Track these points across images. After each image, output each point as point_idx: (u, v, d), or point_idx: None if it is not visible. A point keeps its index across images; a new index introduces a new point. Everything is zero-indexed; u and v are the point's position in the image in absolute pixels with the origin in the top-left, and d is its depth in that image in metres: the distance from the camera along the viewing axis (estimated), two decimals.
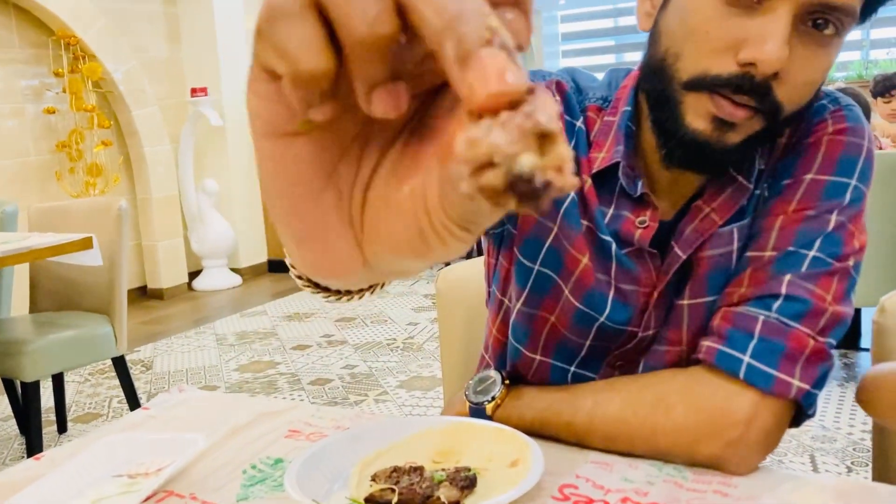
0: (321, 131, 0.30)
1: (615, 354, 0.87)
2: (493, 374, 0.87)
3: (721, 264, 0.81)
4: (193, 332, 4.50)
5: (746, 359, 0.73)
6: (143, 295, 5.37)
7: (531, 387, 0.86)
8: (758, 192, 0.81)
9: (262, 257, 6.01)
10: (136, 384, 3.53)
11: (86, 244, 2.58)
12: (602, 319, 0.84)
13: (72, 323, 2.67)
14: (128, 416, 0.96)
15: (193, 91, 5.37)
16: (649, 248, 0.82)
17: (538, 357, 0.89)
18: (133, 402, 2.79)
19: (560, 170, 0.24)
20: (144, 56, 5.32)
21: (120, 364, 2.76)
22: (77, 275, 2.81)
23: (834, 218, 0.77)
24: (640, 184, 0.81)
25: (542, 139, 0.24)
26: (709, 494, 0.69)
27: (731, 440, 0.72)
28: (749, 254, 0.79)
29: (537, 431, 0.80)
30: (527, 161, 0.24)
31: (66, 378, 3.50)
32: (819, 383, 0.74)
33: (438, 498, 0.69)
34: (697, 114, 0.71)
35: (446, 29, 0.24)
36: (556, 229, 0.84)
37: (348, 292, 0.55)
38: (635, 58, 0.95)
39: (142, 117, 5.16)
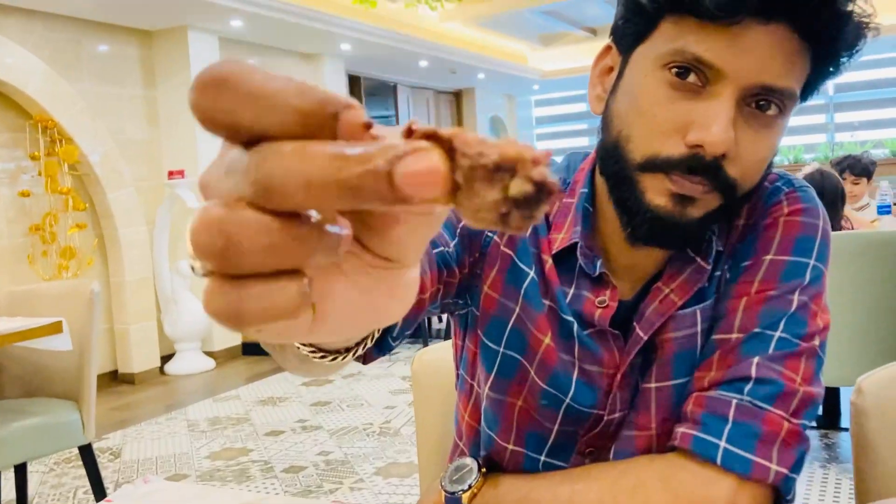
0: None
1: (584, 440, 0.85)
2: (469, 461, 0.85)
3: (686, 346, 0.81)
4: (164, 417, 4.38)
5: (722, 444, 0.72)
6: (113, 379, 5.25)
7: (508, 475, 0.84)
8: (718, 273, 0.82)
9: (236, 340, 5.93)
10: (104, 473, 3.42)
11: (55, 328, 2.53)
12: (567, 401, 0.84)
13: (38, 410, 2.59)
14: None
15: (171, 174, 5.39)
16: (611, 329, 0.82)
17: (510, 447, 0.88)
18: (99, 493, 2.69)
19: (538, 166, 0.26)
20: (122, 138, 5.35)
21: (87, 452, 2.66)
22: (46, 360, 2.74)
23: (796, 298, 0.78)
24: (598, 263, 0.82)
25: (502, 163, 0.26)
26: None
27: None
28: (715, 337, 0.79)
29: None
30: (514, 189, 0.26)
31: (30, 467, 3.38)
32: (796, 467, 0.73)
33: None
34: (657, 192, 0.74)
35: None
36: (517, 310, 0.84)
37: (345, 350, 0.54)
38: None
39: (117, 200, 5.15)
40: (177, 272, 5.46)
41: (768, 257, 0.80)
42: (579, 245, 0.82)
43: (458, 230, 0.84)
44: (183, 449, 3.78)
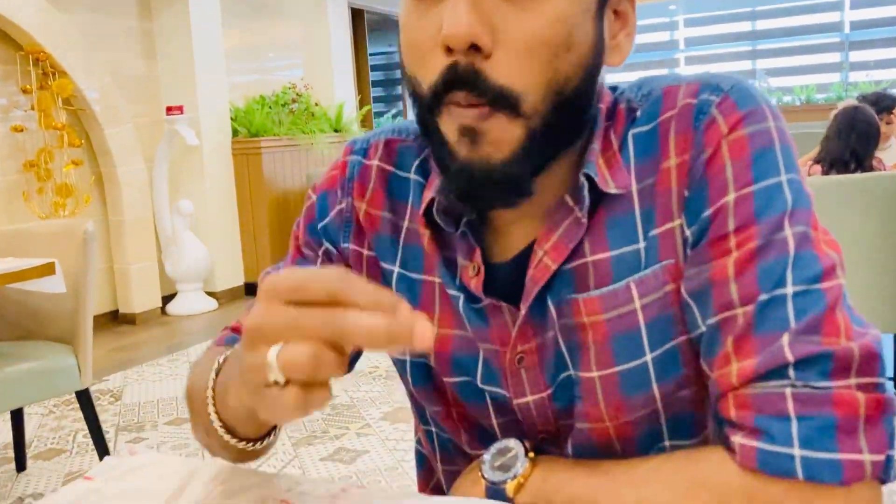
0: None
1: (536, 436, 0.75)
2: (514, 444, 0.72)
3: (625, 328, 0.68)
4: (166, 359, 4.30)
5: (797, 451, 0.57)
6: (114, 320, 5.16)
7: (561, 464, 0.71)
8: (652, 233, 0.68)
9: (238, 280, 5.82)
10: (104, 416, 3.35)
11: (48, 270, 2.42)
12: (480, 384, 0.75)
13: (33, 354, 2.49)
14: (63, 491, 0.80)
15: (169, 109, 5.20)
16: (494, 300, 0.72)
17: (472, 452, 0.81)
18: (98, 439, 2.60)
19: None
20: (118, 73, 5.15)
21: (84, 398, 2.57)
22: (40, 302, 2.63)
23: (789, 234, 0.62)
24: (463, 221, 0.72)
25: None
26: None
27: None
28: (713, 320, 0.63)
29: None
30: None
31: (28, 409, 3.30)
32: (892, 441, 0.59)
33: None
34: (450, 132, 0.64)
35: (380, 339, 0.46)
36: None
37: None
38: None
39: (115, 136, 4.98)
40: (177, 212, 5.32)
41: (730, 198, 0.63)
42: (436, 201, 0.71)
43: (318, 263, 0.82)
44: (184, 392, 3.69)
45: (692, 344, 0.68)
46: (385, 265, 0.79)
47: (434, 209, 0.72)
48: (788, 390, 0.59)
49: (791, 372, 0.59)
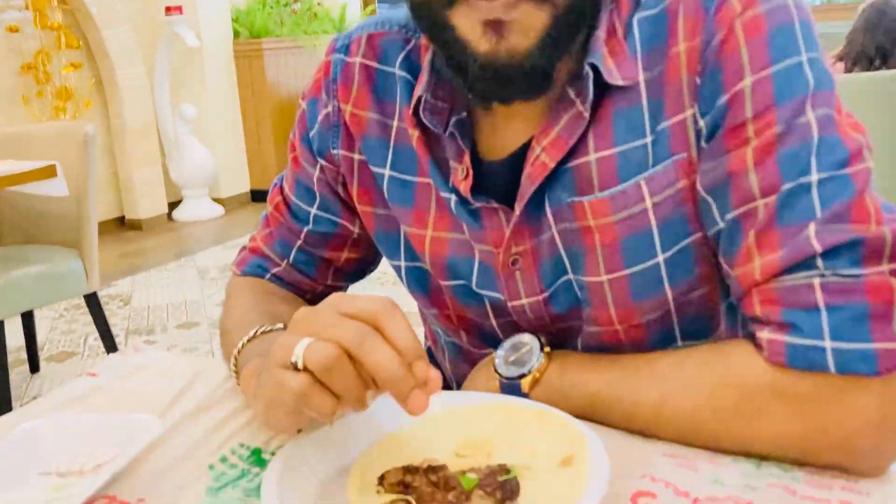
0: None
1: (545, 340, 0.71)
2: (528, 339, 0.68)
3: (635, 229, 0.64)
4: (174, 264, 4.30)
5: (828, 343, 0.54)
6: (120, 226, 5.15)
7: (577, 358, 0.68)
8: (660, 126, 0.62)
9: (244, 187, 5.77)
10: (114, 320, 3.36)
11: (49, 172, 2.37)
12: (475, 289, 0.72)
13: (39, 258, 2.47)
14: (69, 386, 0.78)
15: (168, 10, 5.03)
16: (485, 202, 0.68)
17: (478, 351, 0.79)
18: (108, 341, 2.62)
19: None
20: None
21: (92, 301, 2.57)
22: (43, 206, 2.60)
23: (811, 116, 0.57)
24: (452, 121, 0.68)
25: None
26: None
27: (851, 449, 0.54)
28: (732, 214, 0.59)
29: (586, 416, 0.62)
30: None
31: (39, 313, 3.32)
32: None
33: None
34: (469, 28, 0.59)
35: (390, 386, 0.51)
36: (390, 214, 0.76)
37: None
38: None
39: (113, 38, 4.84)
40: (179, 117, 5.23)
41: (746, 82, 0.58)
42: (423, 99, 0.68)
43: (315, 185, 0.80)
44: (193, 296, 3.71)
45: (706, 241, 0.64)
46: (375, 168, 0.75)
47: (421, 109, 0.68)
48: (817, 281, 0.55)
49: (819, 262, 0.55)
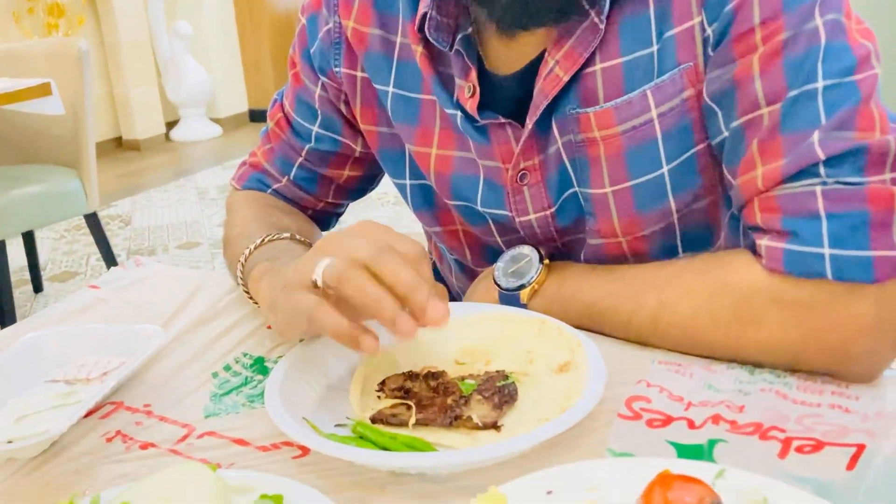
0: None
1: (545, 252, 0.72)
2: (528, 250, 0.69)
3: (641, 139, 0.63)
4: (173, 184, 4.29)
5: (826, 250, 0.54)
6: (118, 146, 5.11)
7: (576, 269, 0.68)
8: (668, 35, 0.61)
9: (242, 106, 5.71)
10: (115, 240, 3.37)
11: (44, 90, 2.33)
12: (479, 208, 0.72)
13: (37, 177, 2.46)
14: (71, 298, 0.78)
15: None
16: (491, 118, 0.67)
17: (482, 270, 0.78)
18: (110, 260, 2.63)
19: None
20: None
21: (93, 221, 2.57)
22: (40, 125, 2.57)
23: (819, 22, 0.56)
24: (458, 38, 0.66)
25: None
26: (825, 409, 0.52)
27: (845, 355, 0.55)
28: (736, 123, 0.58)
29: (584, 326, 0.63)
30: None
31: (40, 234, 3.33)
32: None
33: (470, 418, 0.52)
34: None
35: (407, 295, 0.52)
36: (395, 132, 0.75)
37: None
38: None
39: None
40: (175, 34, 5.12)
41: None
42: (428, 16, 0.66)
43: (317, 103, 0.79)
44: (193, 216, 3.71)
45: (711, 152, 0.64)
46: (378, 86, 0.74)
47: (426, 26, 0.66)
48: (819, 188, 0.54)
49: (822, 170, 0.54)
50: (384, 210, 3.57)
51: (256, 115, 5.70)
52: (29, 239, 2.81)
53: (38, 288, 2.89)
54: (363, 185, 0.88)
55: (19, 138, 2.65)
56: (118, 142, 5.12)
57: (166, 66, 5.21)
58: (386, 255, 0.53)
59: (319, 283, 0.53)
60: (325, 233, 0.90)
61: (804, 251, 0.54)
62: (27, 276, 2.91)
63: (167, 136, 5.29)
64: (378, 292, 0.51)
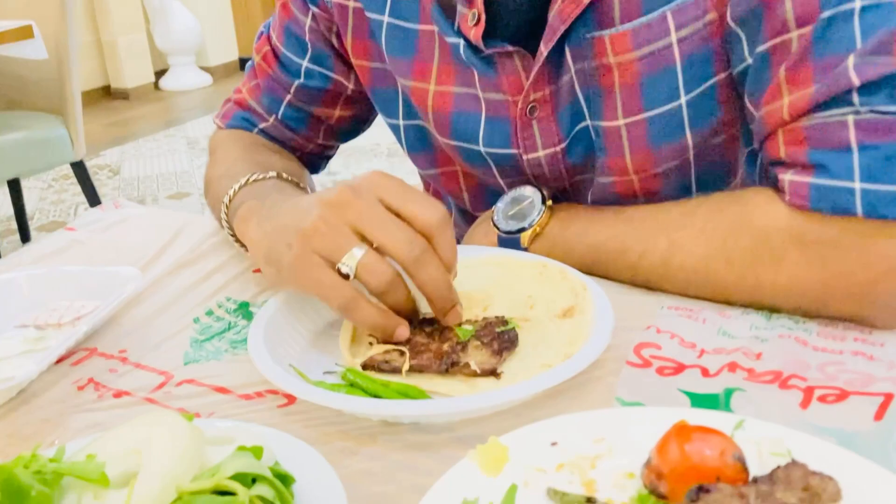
0: None
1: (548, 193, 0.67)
2: (530, 192, 0.64)
3: (659, 66, 0.59)
4: (163, 134, 4.21)
5: (857, 185, 0.49)
6: (106, 95, 5.01)
7: (580, 209, 0.64)
8: None
9: (232, 55, 5.59)
10: (104, 190, 3.32)
11: (26, 33, 2.26)
12: (482, 149, 0.67)
13: (22, 124, 2.39)
14: (46, 240, 0.74)
15: None
16: (498, 46, 0.62)
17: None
18: None
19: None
20: None
21: (80, 169, 2.51)
22: (23, 70, 2.50)
23: None
24: None
25: None
26: (847, 356, 0.49)
27: (872, 299, 0.51)
28: (762, 48, 0.54)
29: (588, 270, 0.59)
30: None
31: (27, 184, 3.27)
32: None
33: (468, 365, 0.49)
34: None
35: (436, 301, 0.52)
36: (389, 68, 0.71)
37: None
38: None
39: None
40: None
41: None
42: None
43: (307, 36, 0.75)
44: (183, 167, 3.65)
45: (732, 82, 0.59)
46: (372, 15, 0.69)
47: None
48: (851, 118, 0.50)
49: (855, 98, 0.50)
50: (377, 161, 3.52)
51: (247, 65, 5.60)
52: (15, 188, 2.75)
53: (25, 238, 2.84)
54: (355, 126, 0.83)
55: (2, 84, 2.57)
56: (106, 90, 5.02)
57: (154, 13, 5.09)
58: (424, 258, 0.50)
59: (351, 276, 0.50)
60: (315, 177, 0.84)
61: (832, 185, 0.50)
62: (14, 225, 2.85)
63: (156, 84, 5.19)
64: (409, 306, 0.53)
